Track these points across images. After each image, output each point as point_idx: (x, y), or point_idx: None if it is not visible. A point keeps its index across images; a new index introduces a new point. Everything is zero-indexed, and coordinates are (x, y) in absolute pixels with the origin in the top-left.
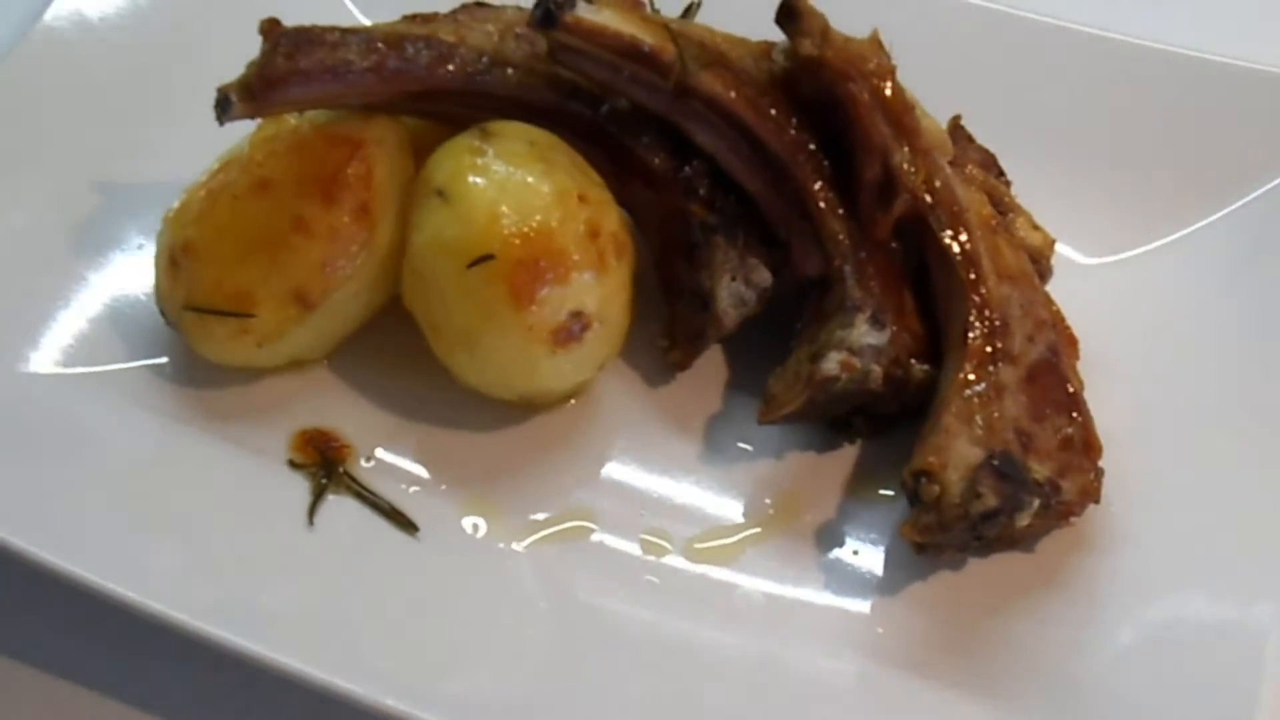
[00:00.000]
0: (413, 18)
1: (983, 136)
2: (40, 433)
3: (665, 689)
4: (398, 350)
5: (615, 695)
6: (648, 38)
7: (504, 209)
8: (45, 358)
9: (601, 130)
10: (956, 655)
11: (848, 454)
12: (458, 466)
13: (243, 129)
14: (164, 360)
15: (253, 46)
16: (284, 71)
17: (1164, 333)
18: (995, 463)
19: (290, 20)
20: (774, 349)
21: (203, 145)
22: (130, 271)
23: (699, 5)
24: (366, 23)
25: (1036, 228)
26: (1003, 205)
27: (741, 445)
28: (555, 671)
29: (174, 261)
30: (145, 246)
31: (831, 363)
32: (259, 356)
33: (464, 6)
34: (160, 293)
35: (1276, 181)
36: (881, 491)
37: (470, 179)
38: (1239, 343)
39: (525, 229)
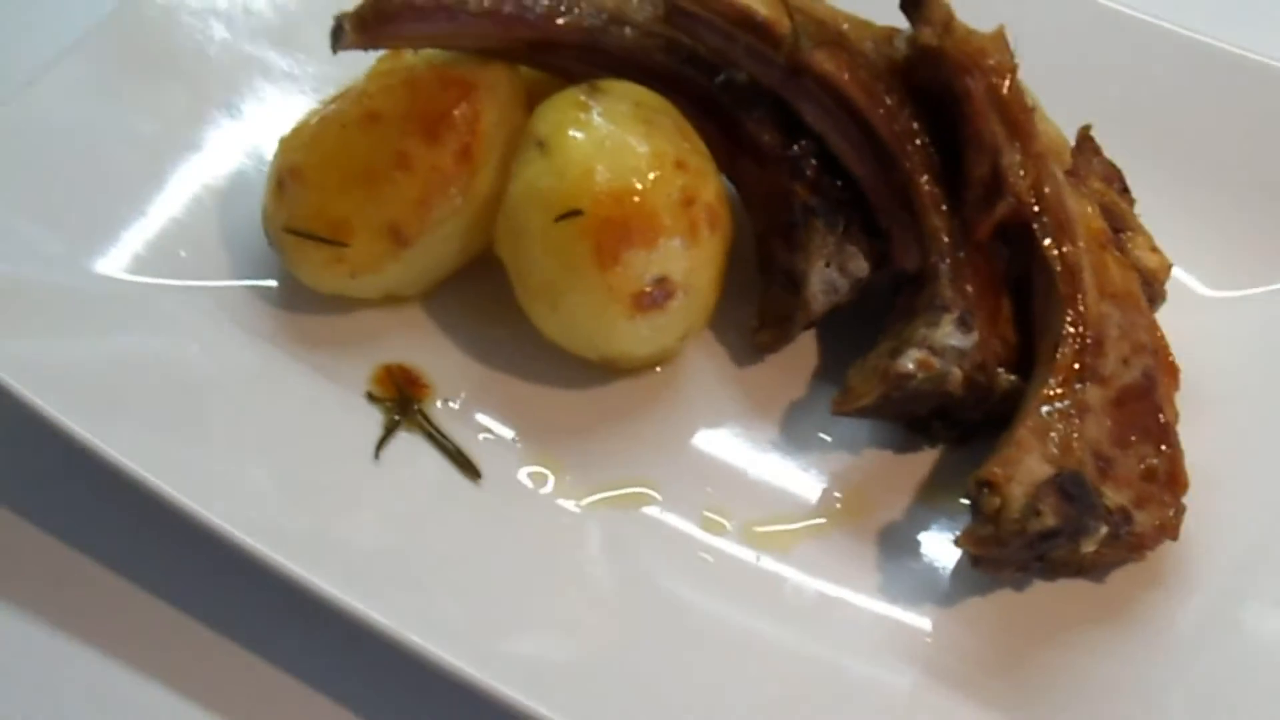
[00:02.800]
0: None
1: (1112, 150)
2: (135, 339)
3: (704, 668)
4: (492, 298)
5: (656, 667)
6: (763, 9)
7: (598, 165)
8: (149, 265)
9: (715, 100)
10: (1005, 679)
11: (925, 457)
12: (532, 420)
13: (368, 60)
14: (264, 281)
15: None
16: (399, 5)
17: (1274, 374)
18: (1061, 482)
19: None
20: (867, 342)
21: (334, 80)
22: (244, 192)
23: None
24: None
25: (1154, 250)
26: (1120, 222)
27: (820, 435)
28: (599, 636)
29: (281, 184)
30: (262, 169)
31: (909, 359)
32: (352, 286)
33: None
34: (265, 213)
35: None
36: (954, 499)
37: (570, 133)
38: None
39: (616, 188)
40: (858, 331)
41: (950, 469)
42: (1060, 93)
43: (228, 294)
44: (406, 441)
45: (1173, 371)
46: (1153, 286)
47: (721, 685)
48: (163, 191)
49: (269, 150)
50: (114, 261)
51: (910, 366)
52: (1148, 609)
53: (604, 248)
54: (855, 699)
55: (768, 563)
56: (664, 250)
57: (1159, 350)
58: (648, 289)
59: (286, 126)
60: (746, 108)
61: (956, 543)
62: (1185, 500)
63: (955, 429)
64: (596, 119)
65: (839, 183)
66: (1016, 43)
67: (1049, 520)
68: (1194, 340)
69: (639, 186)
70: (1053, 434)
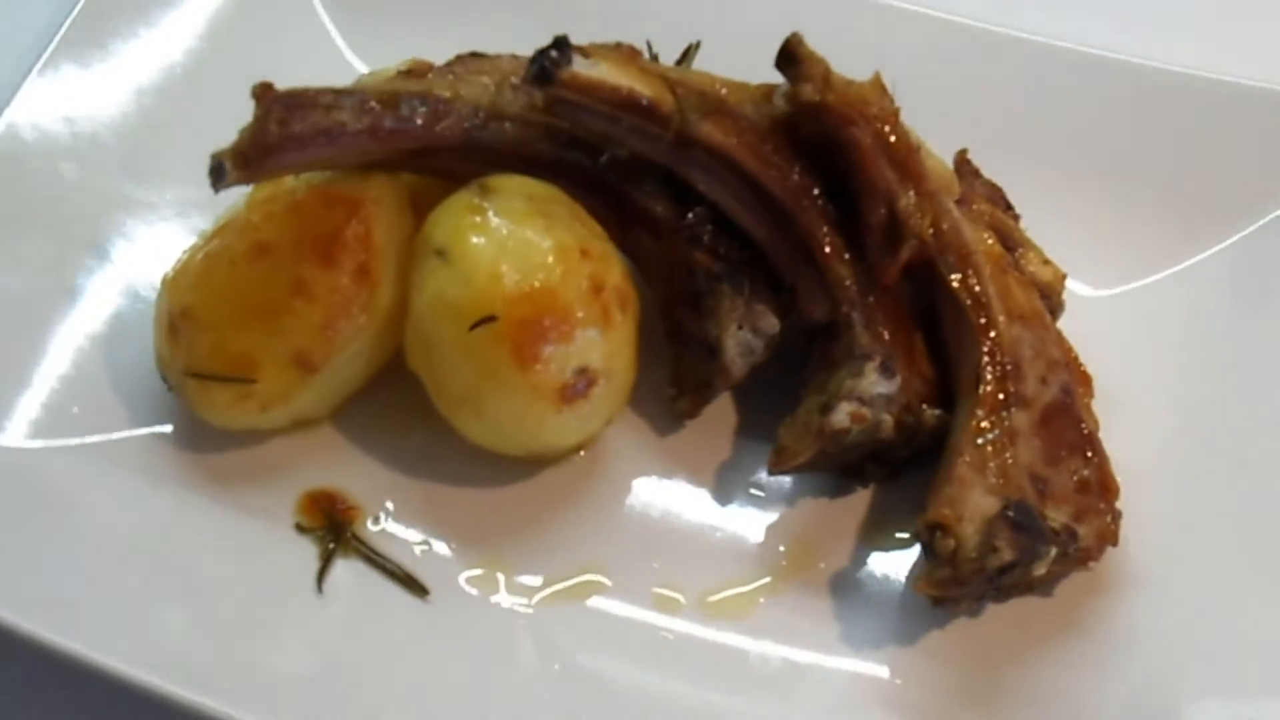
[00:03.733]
0: (408, 72)
1: (981, 162)
2: (39, 505)
3: None
4: (401, 406)
5: None
6: (646, 90)
7: (505, 268)
8: (43, 427)
9: (602, 180)
10: (978, 706)
11: (860, 498)
12: (466, 524)
13: (241, 188)
14: (166, 426)
15: (246, 105)
16: (278, 138)
17: (1176, 363)
18: (1011, 514)
19: (287, 69)
20: (781, 392)
21: (199, 205)
22: (129, 335)
23: (697, 47)
24: (364, 69)
25: (1047, 262)
26: (1011, 241)
27: (753, 492)
28: None
29: (173, 327)
30: (144, 309)
31: (841, 414)
32: (263, 420)
33: (459, 58)
34: (160, 358)
35: None
36: (897, 535)
37: (470, 238)
38: (1254, 371)
39: (527, 288)
40: (771, 384)
41: (885, 506)
42: (924, 113)
43: (129, 444)
44: (344, 567)
45: (1086, 380)
46: (1051, 299)
47: None
48: (42, 348)
49: (146, 289)
50: (3, 431)
51: (844, 421)
52: (1097, 615)
53: (523, 349)
54: None
55: (728, 634)
56: (581, 341)
57: (1070, 363)
58: (570, 381)
59: (159, 260)
60: (635, 183)
61: (915, 588)
62: (1118, 504)
63: (886, 467)
64: (494, 220)
65: (736, 244)
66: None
67: (1005, 555)
68: (1091, 342)
69: (548, 283)
70: (990, 465)
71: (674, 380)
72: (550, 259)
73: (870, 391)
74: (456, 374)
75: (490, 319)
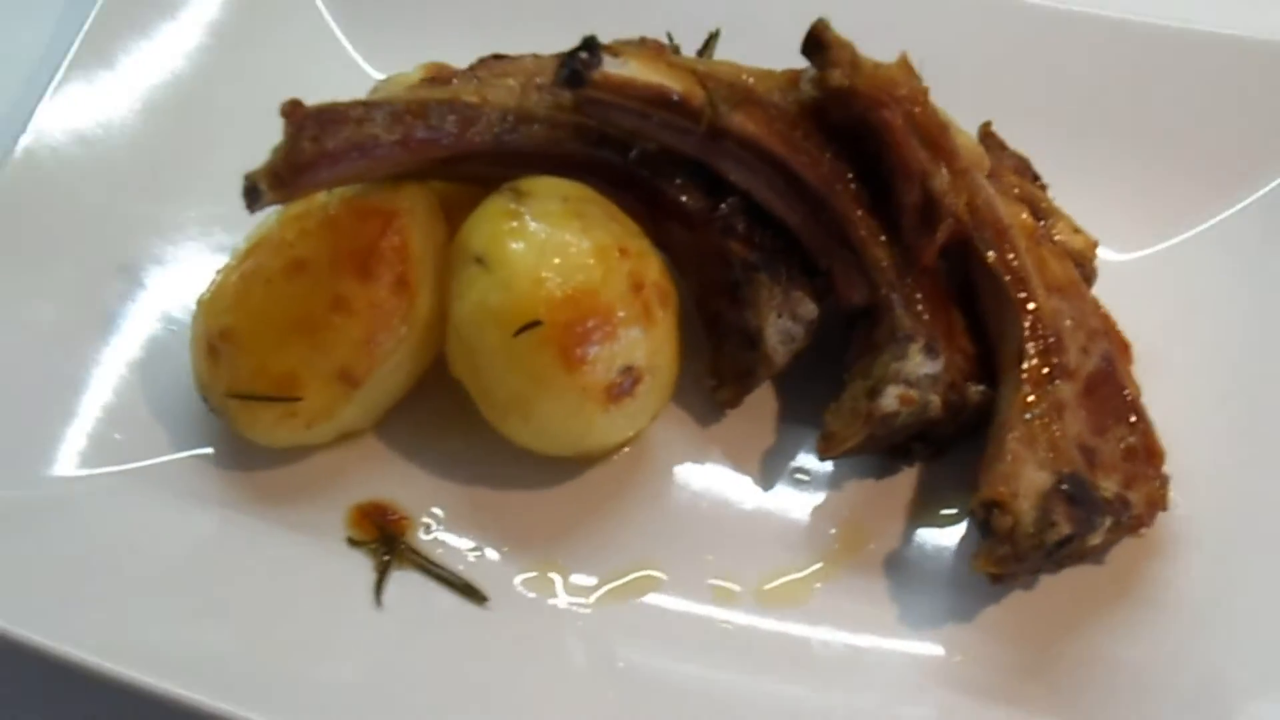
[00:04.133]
0: (431, 79)
1: (1002, 133)
2: (90, 534)
3: None
4: (443, 413)
5: None
6: (676, 85)
7: (546, 273)
8: (88, 456)
9: (632, 175)
10: (1039, 679)
11: (907, 477)
12: (517, 528)
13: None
14: (209, 448)
15: (269, 119)
16: (312, 155)
17: (1211, 323)
18: (1065, 487)
19: (301, 80)
20: (820, 376)
21: (224, 223)
22: (165, 359)
23: (717, 36)
24: (378, 75)
25: (1078, 231)
26: (1041, 211)
27: (799, 477)
28: None
29: (213, 349)
30: (178, 330)
31: (890, 398)
32: (308, 436)
33: (482, 61)
34: (201, 381)
35: None
36: (943, 513)
37: (509, 244)
38: None
39: (569, 291)
40: (810, 369)
41: (932, 484)
42: (942, 87)
43: (173, 468)
44: (399, 578)
45: (1124, 347)
46: (1084, 267)
47: None
48: (80, 377)
49: (178, 310)
50: (51, 463)
51: (893, 405)
52: (1153, 580)
53: (568, 351)
54: None
55: (787, 622)
56: (625, 340)
57: (1109, 331)
58: (617, 380)
59: (190, 282)
60: (666, 177)
61: (974, 567)
62: (1165, 469)
63: (932, 446)
64: (531, 224)
65: (770, 232)
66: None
67: (1063, 528)
68: (1125, 307)
69: (590, 284)
70: (1039, 439)
71: (713, 371)
72: (590, 260)
73: (916, 373)
74: (503, 380)
75: (535, 324)
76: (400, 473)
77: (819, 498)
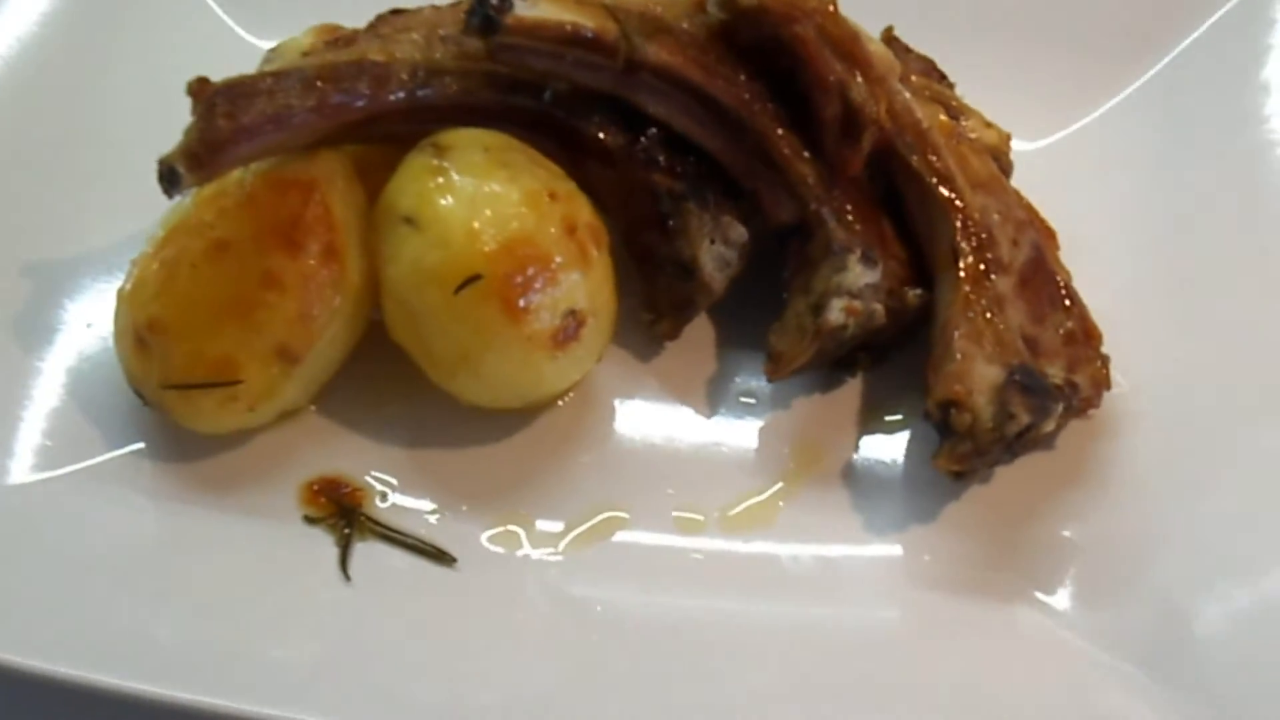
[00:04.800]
0: (334, 42)
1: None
2: (34, 542)
3: (745, 666)
4: (379, 378)
5: (689, 685)
6: (589, 21)
7: (479, 226)
8: (20, 464)
9: (548, 118)
10: (1004, 567)
11: (850, 388)
12: (474, 485)
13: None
14: (145, 441)
15: (157, 100)
16: (228, 131)
17: (1121, 201)
18: (1017, 378)
19: (185, 58)
20: (749, 298)
21: (127, 210)
22: (85, 356)
23: None
24: (262, 46)
25: (989, 125)
26: (952, 110)
27: (744, 400)
28: (619, 673)
29: (141, 341)
30: (94, 325)
31: (835, 311)
32: (251, 419)
33: (380, 18)
34: (132, 374)
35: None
36: (888, 418)
37: (438, 201)
38: (1191, 196)
39: (505, 241)
40: (739, 291)
41: (877, 390)
42: None
43: (111, 466)
44: (363, 550)
45: (1050, 235)
46: (1000, 160)
47: (772, 673)
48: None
49: (92, 305)
50: None
51: (840, 318)
52: (1102, 458)
53: (511, 302)
54: (880, 640)
55: (756, 544)
56: (566, 284)
57: (1034, 220)
58: (562, 325)
59: (98, 273)
60: (583, 116)
61: (936, 466)
62: (1103, 349)
63: (874, 353)
64: (457, 178)
65: (692, 160)
66: None
67: (1023, 419)
68: (1039, 195)
69: (524, 232)
70: (984, 334)
71: (649, 305)
72: (521, 208)
73: (857, 284)
74: (448, 338)
75: (475, 278)
76: (345, 444)
77: (768, 419)
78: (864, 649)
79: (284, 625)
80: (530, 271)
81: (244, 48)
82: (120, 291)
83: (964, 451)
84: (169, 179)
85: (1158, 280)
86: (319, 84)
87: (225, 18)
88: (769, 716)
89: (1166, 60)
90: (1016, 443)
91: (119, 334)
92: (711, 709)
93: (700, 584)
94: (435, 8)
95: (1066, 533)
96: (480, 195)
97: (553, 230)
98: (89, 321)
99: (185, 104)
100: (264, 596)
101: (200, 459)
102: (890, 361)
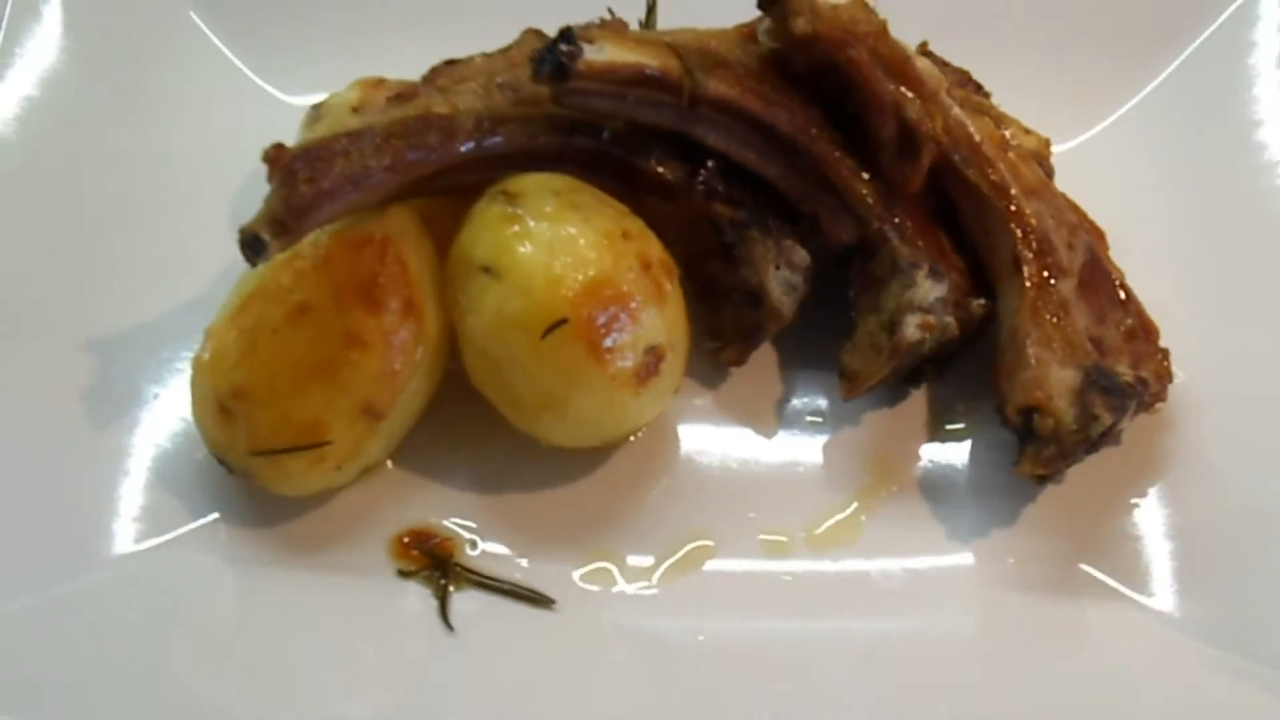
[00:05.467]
0: (395, 97)
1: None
2: (129, 619)
3: (841, 685)
4: (452, 426)
5: (802, 708)
6: (653, 61)
7: (560, 271)
8: (105, 540)
9: (608, 156)
10: (1094, 562)
11: (915, 400)
12: (558, 524)
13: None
14: (226, 507)
15: (202, 167)
16: (311, 196)
17: (1159, 194)
18: (1094, 379)
19: (221, 118)
20: (812, 318)
21: (181, 279)
22: (156, 426)
23: (655, 4)
24: (294, 102)
25: (1029, 132)
26: (994, 120)
27: (813, 420)
28: (732, 701)
29: (225, 409)
30: (160, 395)
31: (911, 327)
32: (337, 478)
33: (435, 70)
34: (215, 443)
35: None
36: (949, 427)
37: (517, 249)
38: (1220, 186)
39: (587, 284)
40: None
41: (944, 401)
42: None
43: (195, 536)
44: (459, 598)
45: (1100, 235)
46: (1044, 165)
47: (883, 689)
48: (75, 466)
49: (155, 375)
50: (90, 558)
51: (916, 334)
52: (1170, 449)
53: (596, 344)
54: (997, 646)
55: (844, 561)
56: (645, 321)
57: (1084, 222)
58: (644, 362)
59: (157, 343)
60: (641, 153)
61: (1019, 472)
62: (1161, 343)
63: (939, 365)
64: (532, 225)
65: (749, 188)
66: None
67: (1106, 419)
68: (1082, 196)
69: (604, 273)
70: (1054, 339)
71: (714, 333)
72: (598, 249)
73: (928, 299)
74: (534, 383)
75: (561, 323)
76: (425, 494)
77: (838, 436)
78: (971, 657)
79: (396, 679)
80: (612, 311)
81: (278, 105)
82: (198, 361)
83: (1049, 455)
84: (253, 247)
85: (1200, 269)
86: (393, 141)
87: (255, 77)
88: None
89: (1188, 52)
90: (1100, 441)
91: (199, 403)
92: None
93: (795, 605)
94: (486, 56)
95: (1145, 526)
96: (557, 240)
97: (629, 269)
98: (155, 392)
99: (229, 167)
100: (370, 653)
101: (283, 522)
102: (951, 372)
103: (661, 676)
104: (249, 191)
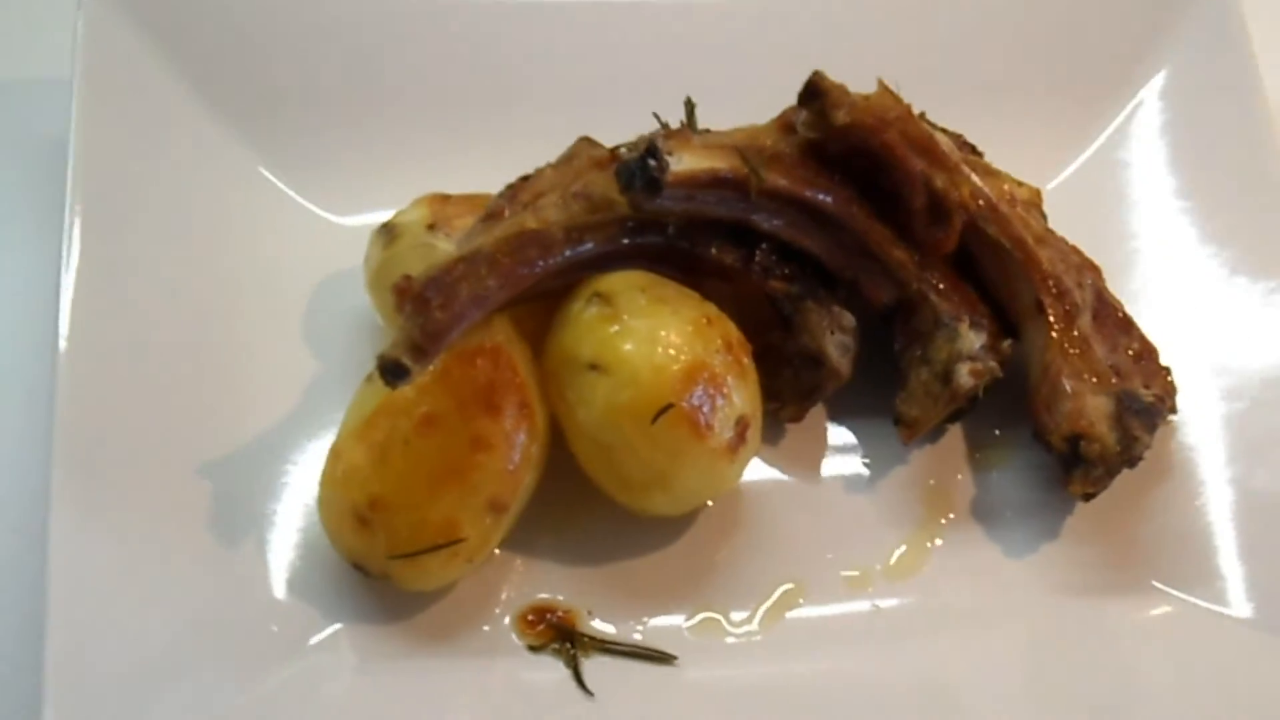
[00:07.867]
0: (486, 217)
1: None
2: None
3: (958, 703)
4: (546, 504)
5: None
6: (722, 164)
7: (662, 360)
8: (248, 660)
9: (672, 249)
10: (1142, 564)
11: (953, 435)
12: (660, 584)
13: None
14: (352, 613)
15: (274, 304)
16: (445, 321)
17: (1132, 228)
18: (1127, 403)
19: (289, 254)
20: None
21: (263, 410)
22: (284, 538)
23: (695, 106)
24: (343, 223)
25: (1021, 184)
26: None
27: (867, 461)
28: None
29: (362, 520)
30: (278, 510)
31: (964, 375)
32: (467, 570)
33: (514, 186)
34: (353, 552)
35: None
36: (977, 455)
37: (621, 346)
38: (1195, 214)
39: (686, 370)
40: None
41: (981, 433)
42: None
43: (330, 644)
44: (587, 665)
45: (1097, 271)
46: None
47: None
48: (192, 589)
49: (262, 493)
50: (229, 683)
51: (969, 380)
52: (1184, 454)
53: (697, 423)
54: (1074, 646)
55: (925, 587)
56: (734, 397)
57: (1083, 261)
58: (736, 433)
59: (249, 467)
60: (704, 243)
61: (1072, 492)
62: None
63: (972, 401)
64: (630, 322)
65: (796, 263)
66: None
67: (1146, 439)
68: (1070, 236)
69: (699, 358)
70: (1083, 371)
71: (773, 394)
72: (692, 338)
73: (973, 348)
74: (644, 465)
75: (668, 407)
76: (536, 573)
77: (891, 476)
78: (1054, 667)
79: None
80: (709, 392)
81: (330, 228)
82: (329, 478)
83: (1097, 476)
84: (394, 372)
85: (1186, 290)
86: (501, 259)
87: (305, 202)
88: None
89: (1140, 94)
90: (1139, 460)
91: (334, 516)
92: None
93: (888, 633)
94: (554, 167)
95: (1176, 523)
96: (655, 334)
97: (717, 351)
98: (273, 508)
99: (291, 294)
100: None
101: (410, 616)
102: (979, 406)
103: (787, 712)
104: (314, 313)
